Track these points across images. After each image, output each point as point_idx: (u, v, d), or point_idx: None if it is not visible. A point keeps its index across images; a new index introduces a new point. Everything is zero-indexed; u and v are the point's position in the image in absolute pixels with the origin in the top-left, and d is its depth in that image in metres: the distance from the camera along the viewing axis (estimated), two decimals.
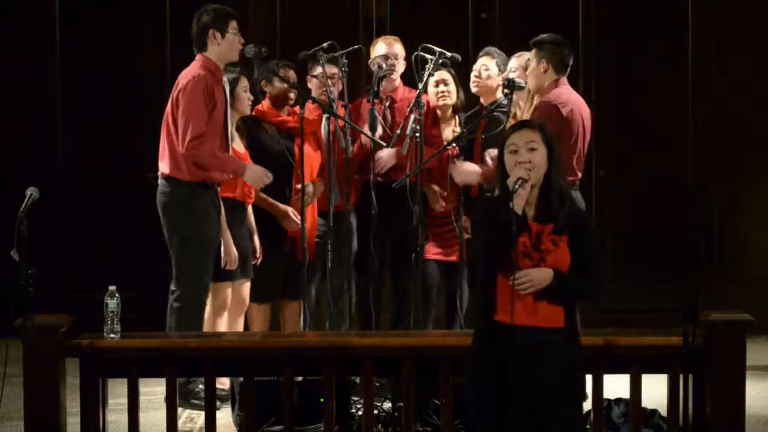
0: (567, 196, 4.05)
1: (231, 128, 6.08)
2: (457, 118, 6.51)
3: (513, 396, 3.88)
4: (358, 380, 5.30)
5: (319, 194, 6.31)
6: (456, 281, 6.37)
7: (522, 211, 3.94)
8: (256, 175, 5.92)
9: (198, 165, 5.79)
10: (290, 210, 6.25)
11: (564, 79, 5.94)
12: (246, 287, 6.24)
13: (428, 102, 6.41)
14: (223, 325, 6.15)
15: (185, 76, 5.85)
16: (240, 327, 6.30)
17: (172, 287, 5.89)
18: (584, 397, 5.82)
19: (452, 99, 6.47)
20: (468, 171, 6.06)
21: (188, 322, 5.78)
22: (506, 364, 3.90)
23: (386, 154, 6.29)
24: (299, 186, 6.15)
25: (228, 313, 6.18)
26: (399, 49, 6.45)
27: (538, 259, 3.94)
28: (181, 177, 5.81)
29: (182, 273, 5.84)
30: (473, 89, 6.46)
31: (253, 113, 6.33)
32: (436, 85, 6.45)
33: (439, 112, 6.49)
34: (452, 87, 6.46)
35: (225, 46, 5.90)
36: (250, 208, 6.28)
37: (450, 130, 6.47)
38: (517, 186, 3.91)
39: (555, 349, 3.93)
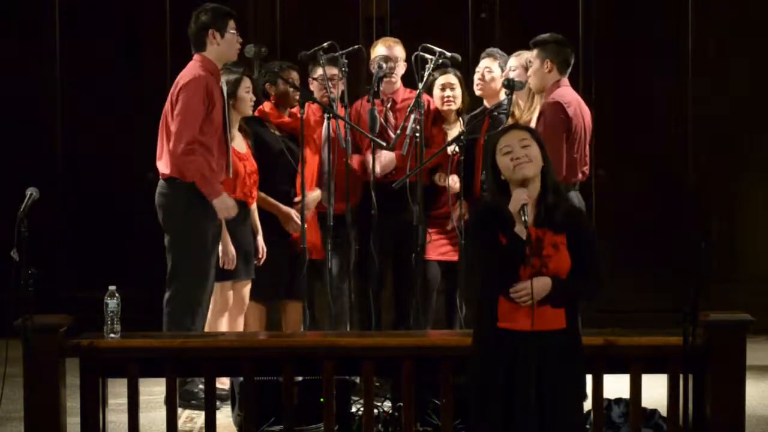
0: (561, 193, 4.06)
1: (233, 129, 6.08)
2: (461, 120, 6.50)
3: (521, 400, 3.87)
4: (358, 380, 5.30)
5: (316, 202, 6.31)
6: (455, 281, 6.37)
7: (526, 234, 3.93)
8: (224, 206, 5.82)
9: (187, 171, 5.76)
10: (293, 212, 6.25)
11: (566, 80, 5.95)
12: (247, 288, 6.24)
13: (428, 102, 6.41)
14: (224, 325, 6.14)
15: (185, 76, 5.84)
16: (240, 327, 6.29)
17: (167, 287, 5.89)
18: (584, 397, 5.85)
19: (457, 104, 6.46)
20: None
21: (179, 322, 5.76)
22: (512, 370, 3.89)
23: (386, 160, 6.28)
24: (296, 199, 6.21)
25: (228, 312, 6.18)
26: (399, 51, 6.44)
27: (539, 265, 3.92)
28: (182, 177, 5.79)
29: (177, 273, 5.82)
30: (477, 92, 6.45)
31: (255, 114, 6.33)
32: (443, 89, 6.43)
33: (443, 114, 6.49)
34: (458, 91, 6.45)
35: (224, 46, 5.89)
36: (254, 208, 6.27)
37: (455, 133, 6.45)
38: (524, 217, 3.89)
39: (558, 351, 3.92)
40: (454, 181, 6.18)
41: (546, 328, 3.93)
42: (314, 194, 6.32)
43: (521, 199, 3.92)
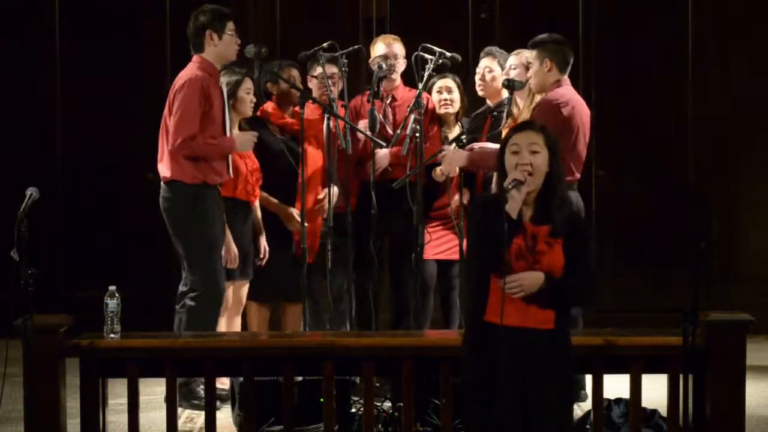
0: (566, 200, 4.05)
1: (232, 129, 6.08)
2: (459, 124, 6.49)
3: (503, 396, 3.87)
4: (358, 380, 5.30)
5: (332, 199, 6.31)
6: (451, 280, 6.38)
7: (518, 212, 3.93)
8: (245, 140, 5.95)
9: (195, 159, 5.77)
10: (294, 211, 6.25)
11: (566, 79, 5.95)
12: (245, 288, 6.24)
13: (428, 100, 6.40)
14: (221, 326, 6.14)
15: (181, 78, 5.85)
16: (237, 327, 6.30)
17: (183, 288, 5.87)
18: (583, 397, 5.85)
19: (455, 108, 6.46)
20: (455, 156, 5.85)
21: (203, 322, 5.78)
22: (497, 365, 3.90)
23: (380, 155, 6.29)
24: (320, 196, 6.25)
25: (226, 313, 6.18)
26: (399, 48, 6.44)
27: (532, 261, 3.93)
28: (184, 179, 5.81)
29: (196, 274, 5.83)
30: (479, 92, 6.45)
31: (258, 114, 6.33)
32: (440, 92, 6.44)
33: (441, 117, 6.49)
34: (456, 95, 6.45)
35: (222, 46, 5.90)
36: (257, 206, 6.27)
37: (452, 136, 6.44)
38: (510, 187, 3.90)
39: (544, 350, 3.93)
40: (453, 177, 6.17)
41: (534, 326, 3.93)
42: (324, 192, 6.27)
43: (515, 176, 3.92)
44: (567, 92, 5.90)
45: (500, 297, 3.90)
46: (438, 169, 6.27)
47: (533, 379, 3.90)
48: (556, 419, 3.96)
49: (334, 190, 6.14)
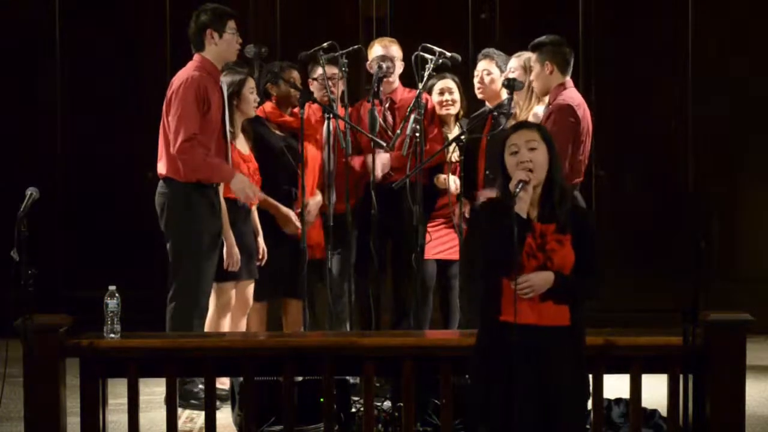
0: (568, 194, 4.06)
1: (236, 129, 6.08)
2: (459, 124, 6.50)
3: (520, 395, 3.87)
4: (358, 380, 5.30)
5: (317, 207, 6.32)
6: (451, 280, 6.38)
7: (526, 213, 3.94)
8: (242, 186, 5.84)
9: (188, 167, 5.77)
10: (292, 214, 6.25)
11: (570, 80, 5.97)
12: (250, 288, 6.23)
13: (427, 100, 6.40)
14: (226, 326, 6.14)
15: (179, 78, 5.85)
16: (242, 327, 6.30)
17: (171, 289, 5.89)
18: (588, 396, 5.83)
19: (456, 109, 6.47)
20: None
21: (183, 322, 5.77)
22: (513, 364, 3.89)
23: (382, 162, 6.28)
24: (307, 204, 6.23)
25: (231, 313, 6.18)
26: (396, 51, 6.43)
27: (544, 259, 3.93)
28: (178, 178, 5.81)
29: (179, 273, 5.83)
30: (478, 95, 6.46)
31: (256, 114, 6.32)
32: (441, 93, 6.44)
33: (442, 119, 6.49)
34: (456, 96, 6.46)
35: (223, 46, 5.89)
36: (254, 209, 6.28)
37: (452, 137, 6.45)
38: (518, 189, 3.90)
39: (562, 348, 3.92)
40: (455, 185, 6.18)
41: (550, 323, 3.93)
42: (316, 199, 6.33)
43: (519, 177, 3.92)
44: (575, 95, 5.93)
45: (513, 295, 3.90)
46: (441, 176, 6.28)
47: (553, 377, 3.89)
48: (575, 418, 3.98)
49: (317, 198, 6.19)
